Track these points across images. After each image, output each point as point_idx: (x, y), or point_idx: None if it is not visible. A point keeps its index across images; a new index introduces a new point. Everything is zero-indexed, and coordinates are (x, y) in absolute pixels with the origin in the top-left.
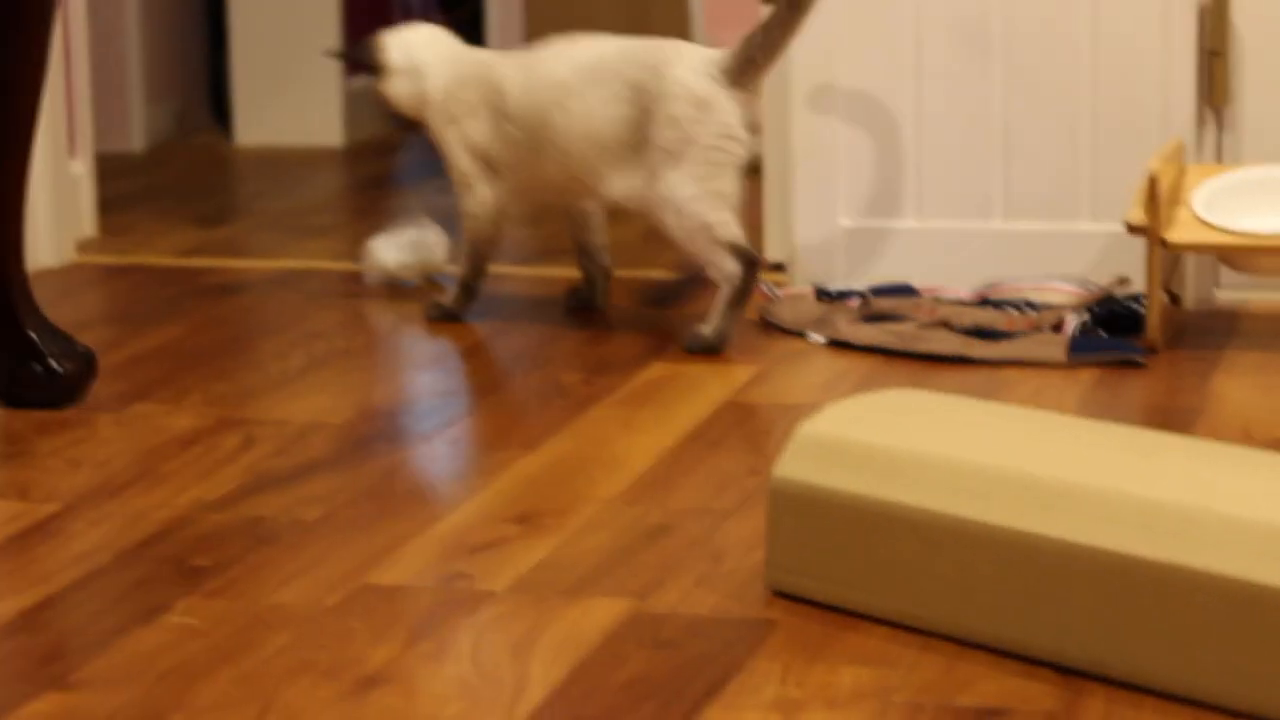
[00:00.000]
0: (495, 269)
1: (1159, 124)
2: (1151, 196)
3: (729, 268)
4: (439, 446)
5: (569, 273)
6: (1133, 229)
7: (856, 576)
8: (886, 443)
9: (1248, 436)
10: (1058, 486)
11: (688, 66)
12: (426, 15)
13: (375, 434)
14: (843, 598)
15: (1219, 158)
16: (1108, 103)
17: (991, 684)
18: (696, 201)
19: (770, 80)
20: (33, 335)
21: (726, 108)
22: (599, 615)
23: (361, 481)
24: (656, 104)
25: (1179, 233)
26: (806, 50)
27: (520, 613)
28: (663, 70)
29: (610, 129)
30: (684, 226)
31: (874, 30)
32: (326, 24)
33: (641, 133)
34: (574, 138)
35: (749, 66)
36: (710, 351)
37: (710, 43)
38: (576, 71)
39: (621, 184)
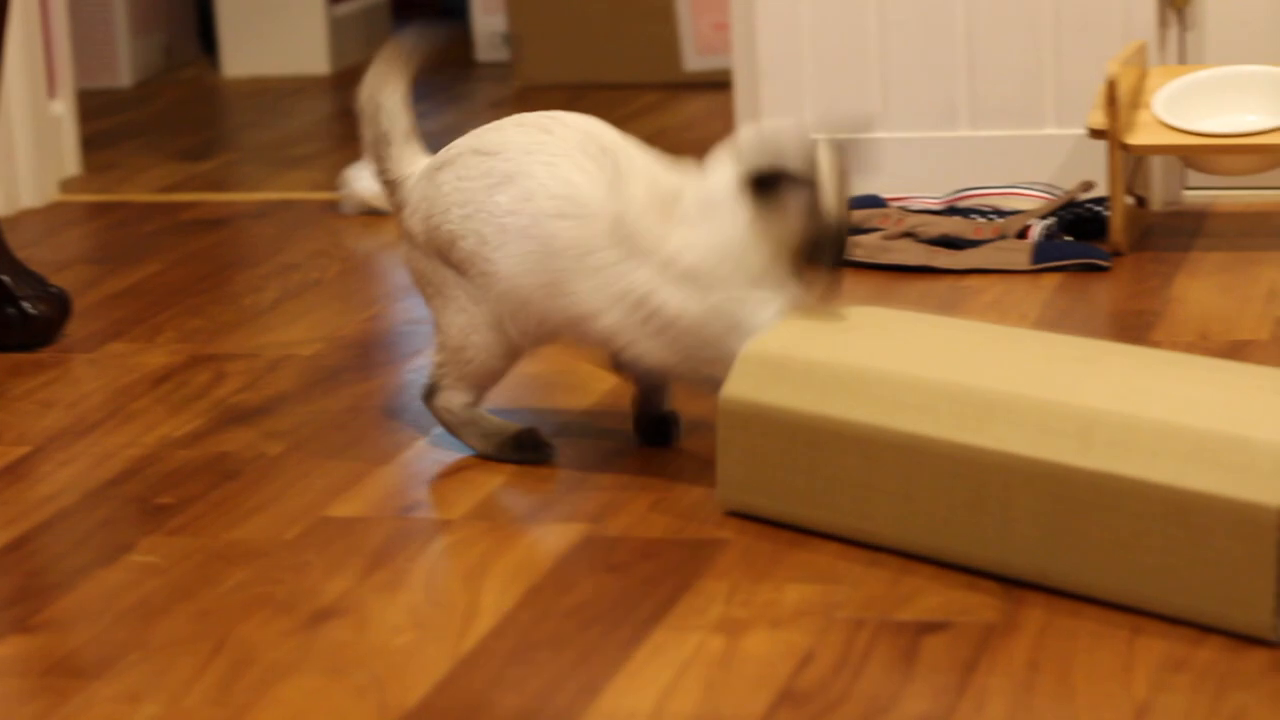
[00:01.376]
0: None
1: (1122, 26)
2: (1110, 100)
3: None
4: (407, 375)
5: None
6: (1094, 133)
7: (804, 493)
8: (830, 359)
9: (1205, 339)
10: (997, 399)
11: None
12: None
13: (344, 365)
14: (792, 515)
15: (1182, 58)
16: (1070, 6)
17: (934, 597)
18: None
19: None
20: (5, 279)
21: None
22: (552, 541)
23: (327, 414)
24: None
25: (1139, 135)
26: None
27: (475, 540)
28: None
29: None
30: None
31: None
32: None
33: None
34: None
35: None
36: None
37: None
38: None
39: None
